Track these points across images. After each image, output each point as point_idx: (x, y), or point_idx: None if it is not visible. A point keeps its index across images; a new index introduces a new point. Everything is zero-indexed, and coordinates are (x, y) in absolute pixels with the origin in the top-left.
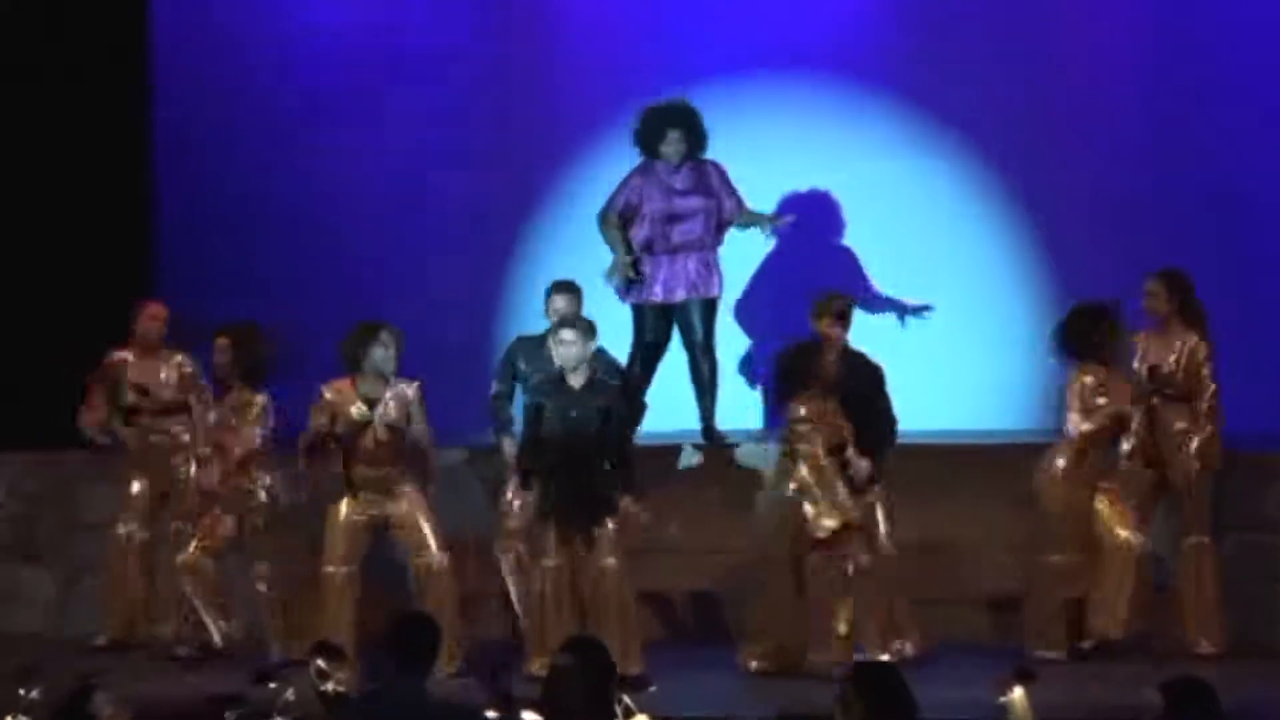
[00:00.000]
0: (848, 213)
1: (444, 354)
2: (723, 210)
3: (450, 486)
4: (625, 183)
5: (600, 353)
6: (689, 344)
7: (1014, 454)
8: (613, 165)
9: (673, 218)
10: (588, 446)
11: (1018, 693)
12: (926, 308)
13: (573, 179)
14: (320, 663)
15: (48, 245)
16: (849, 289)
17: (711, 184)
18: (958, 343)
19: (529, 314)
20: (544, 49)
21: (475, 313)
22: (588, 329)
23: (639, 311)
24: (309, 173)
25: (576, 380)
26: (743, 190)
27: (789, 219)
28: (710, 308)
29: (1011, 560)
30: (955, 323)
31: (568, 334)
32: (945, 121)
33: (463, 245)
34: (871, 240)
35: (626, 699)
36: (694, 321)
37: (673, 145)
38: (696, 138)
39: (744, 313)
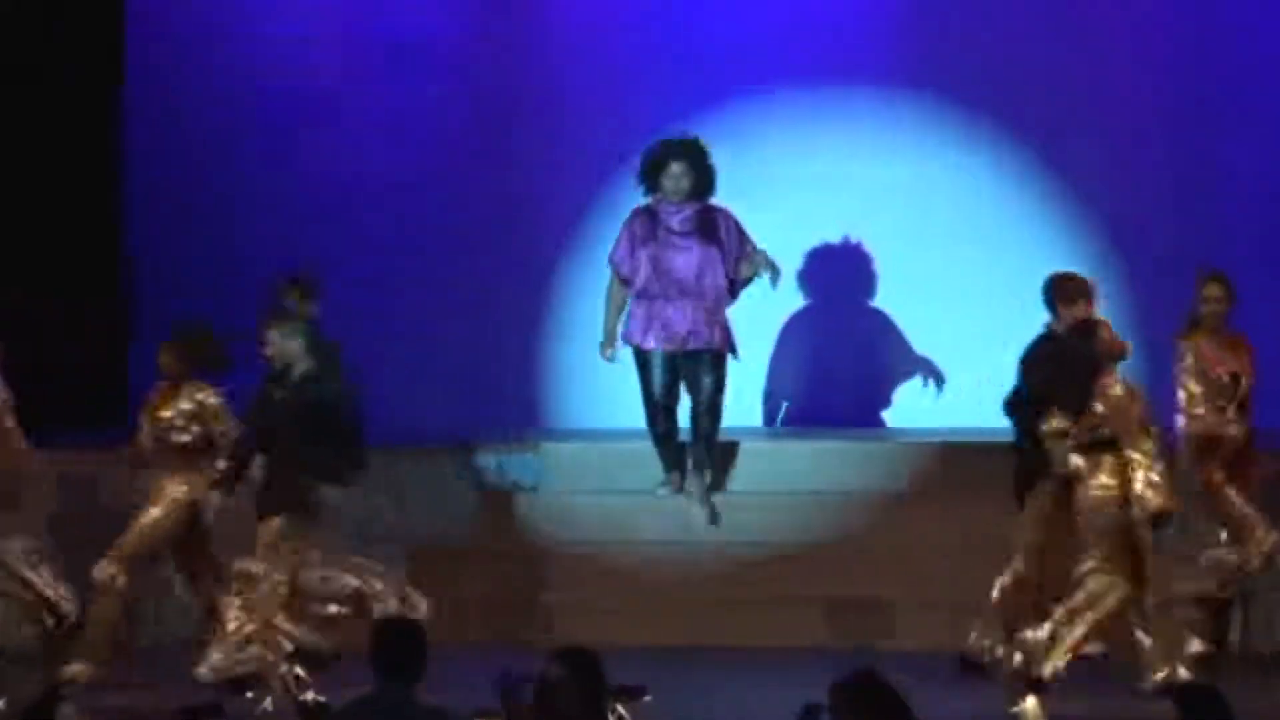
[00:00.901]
0: (873, 218)
1: (434, 355)
2: (728, 256)
3: (438, 488)
4: (623, 227)
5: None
6: (694, 400)
7: None
8: (606, 163)
9: (666, 259)
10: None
11: (1030, 702)
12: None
13: (571, 184)
14: (299, 671)
15: (23, 245)
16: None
17: (716, 230)
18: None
19: (522, 316)
20: (544, 50)
21: (465, 313)
22: (289, 331)
23: (641, 361)
24: (291, 175)
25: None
26: (764, 215)
27: (776, 273)
28: (718, 363)
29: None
30: (992, 320)
31: (269, 335)
32: (966, 121)
33: (451, 248)
34: (898, 238)
35: (621, 708)
36: (701, 376)
37: (673, 180)
38: (702, 175)
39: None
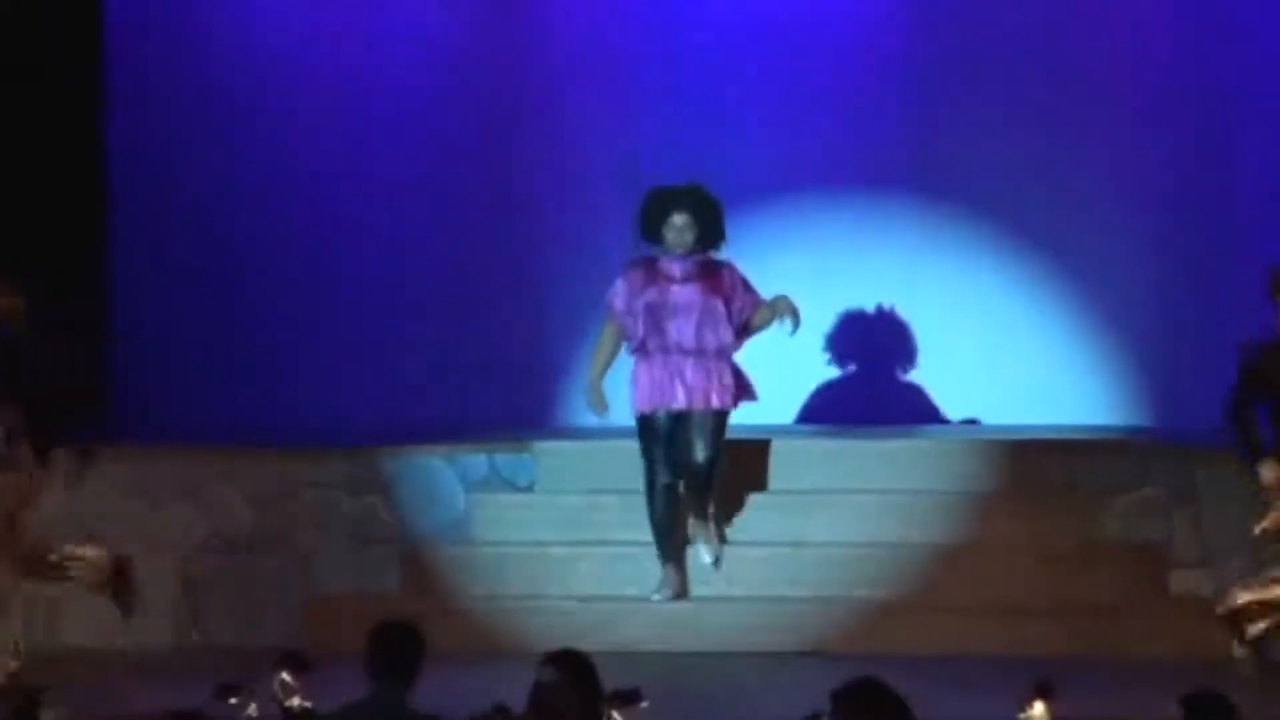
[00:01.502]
0: (875, 208)
1: (425, 352)
2: (732, 311)
3: (428, 490)
4: (621, 277)
5: None
6: (685, 464)
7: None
8: (606, 162)
9: (665, 310)
10: None
11: (1038, 708)
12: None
13: (569, 182)
14: (285, 676)
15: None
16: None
17: (719, 280)
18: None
19: (516, 313)
20: (544, 49)
21: (458, 311)
22: None
23: (644, 426)
24: (282, 173)
25: None
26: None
27: (796, 320)
28: (718, 422)
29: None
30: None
31: None
32: (969, 114)
33: (444, 245)
34: (901, 229)
35: (616, 714)
36: (693, 438)
37: (676, 232)
38: (707, 225)
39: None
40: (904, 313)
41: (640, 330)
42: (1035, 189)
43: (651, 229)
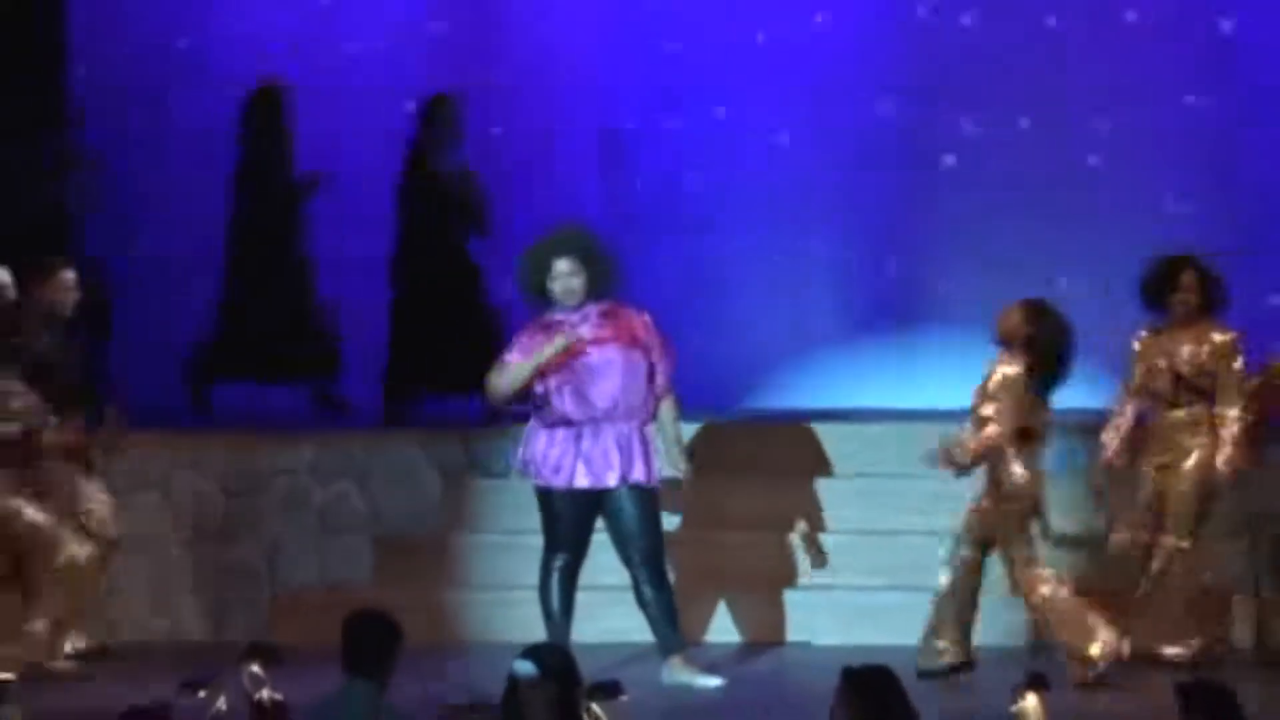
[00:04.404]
0: (875, 194)
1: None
2: (654, 366)
3: (402, 478)
4: (520, 340)
5: None
6: (625, 554)
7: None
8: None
9: (585, 379)
10: None
11: (1031, 701)
12: None
13: (541, 166)
14: (254, 669)
15: None
16: None
17: (634, 331)
18: None
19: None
20: (518, 45)
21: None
22: None
23: (545, 502)
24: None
25: None
26: None
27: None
28: (649, 501)
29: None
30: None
31: None
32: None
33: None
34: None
35: (596, 708)
36: (627, 520)
37: (561, 280)
38: (596, 269)
39: None
40: (906, 294)
41: (559, 405)
42: (1046, 171)
43: (535, 284)
